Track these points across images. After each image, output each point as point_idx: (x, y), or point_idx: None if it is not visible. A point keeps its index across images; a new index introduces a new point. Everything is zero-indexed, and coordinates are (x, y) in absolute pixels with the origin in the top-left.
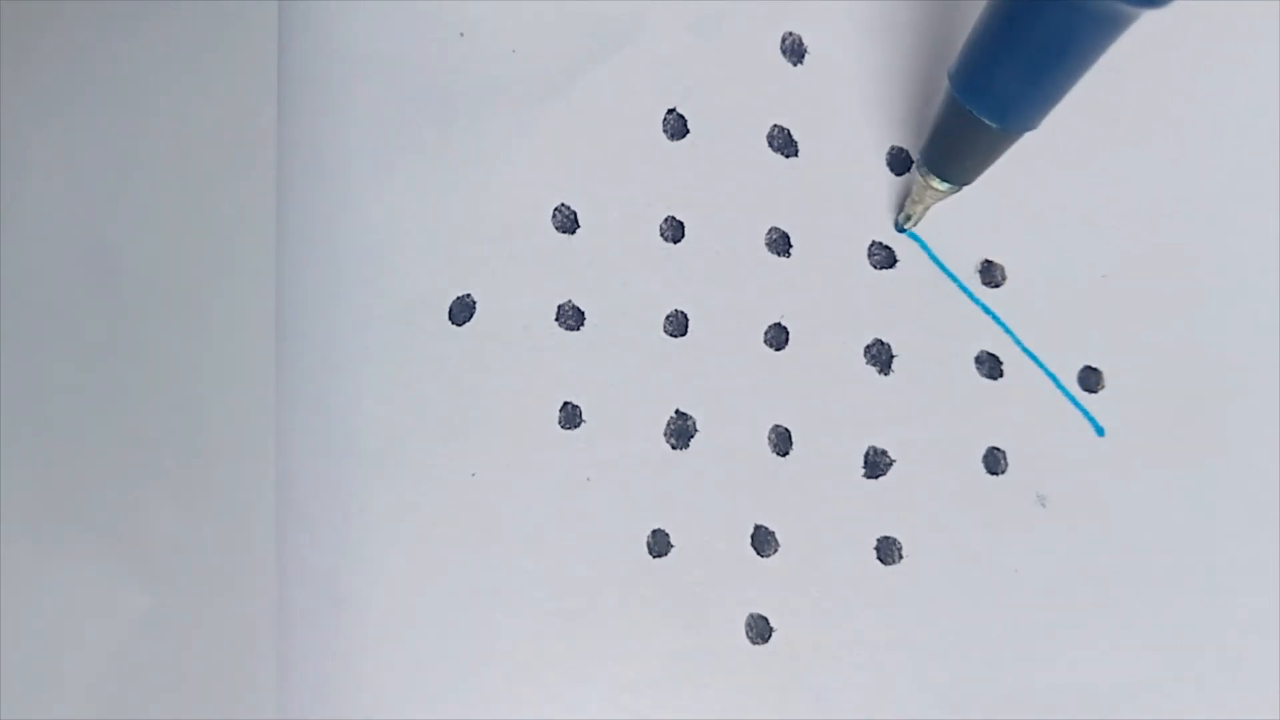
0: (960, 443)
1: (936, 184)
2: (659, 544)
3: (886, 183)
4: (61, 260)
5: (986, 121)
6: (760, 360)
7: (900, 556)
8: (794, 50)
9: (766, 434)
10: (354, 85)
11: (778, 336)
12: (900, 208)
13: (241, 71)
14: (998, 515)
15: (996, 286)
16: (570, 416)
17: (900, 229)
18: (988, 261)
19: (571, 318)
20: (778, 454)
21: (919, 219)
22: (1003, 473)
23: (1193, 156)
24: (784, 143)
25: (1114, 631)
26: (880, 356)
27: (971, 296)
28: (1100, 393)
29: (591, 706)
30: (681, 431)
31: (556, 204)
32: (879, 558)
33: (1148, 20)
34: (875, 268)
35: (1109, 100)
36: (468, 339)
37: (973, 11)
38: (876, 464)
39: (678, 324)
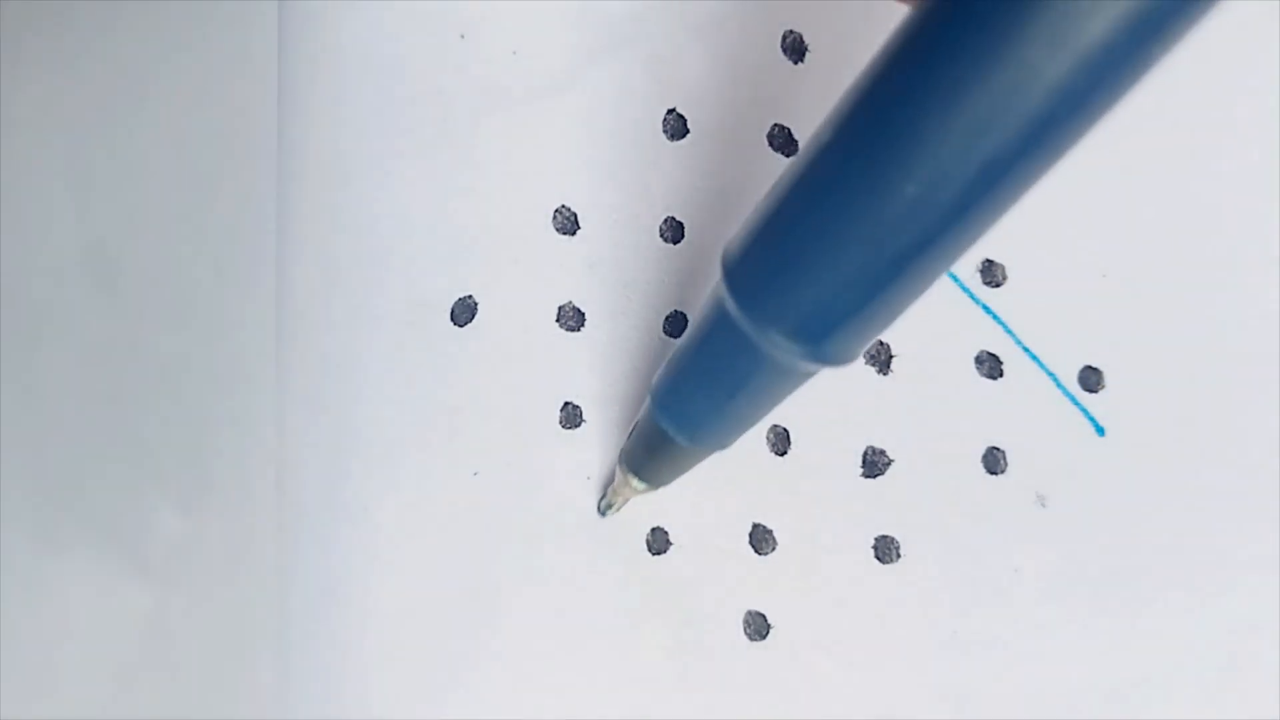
0: (960, 442)
1: (635, 483)
2: (658, 542)
3: None
4: (61, 260)
5: (680, 441)
6: None
7: (898, 556)
8: (794, 49)
9: (765, 433)
10: (354, 86)
11: None
12: (604, 493)
13: (241, 72)
14: (997, 515)
15: (996, 286)
16: (571, 416)
17: (602, 514)
18: (988, 261)
19: (572, 318)
20: (776, 453)
21: (620, 508)
22: (1002, 472)
23: (1193, 156)
24: (784, 142)
25: (1114, 631)
26: (879, 356)
27: (972, 296)
28: (1100, 392)
29: (591, 704)
30: None
31: (557, 205)
32: (877, 556)
33: None
34: None
35: None
36: (469, 340)
37: None
38: (875, 463)
39: (677, 324)
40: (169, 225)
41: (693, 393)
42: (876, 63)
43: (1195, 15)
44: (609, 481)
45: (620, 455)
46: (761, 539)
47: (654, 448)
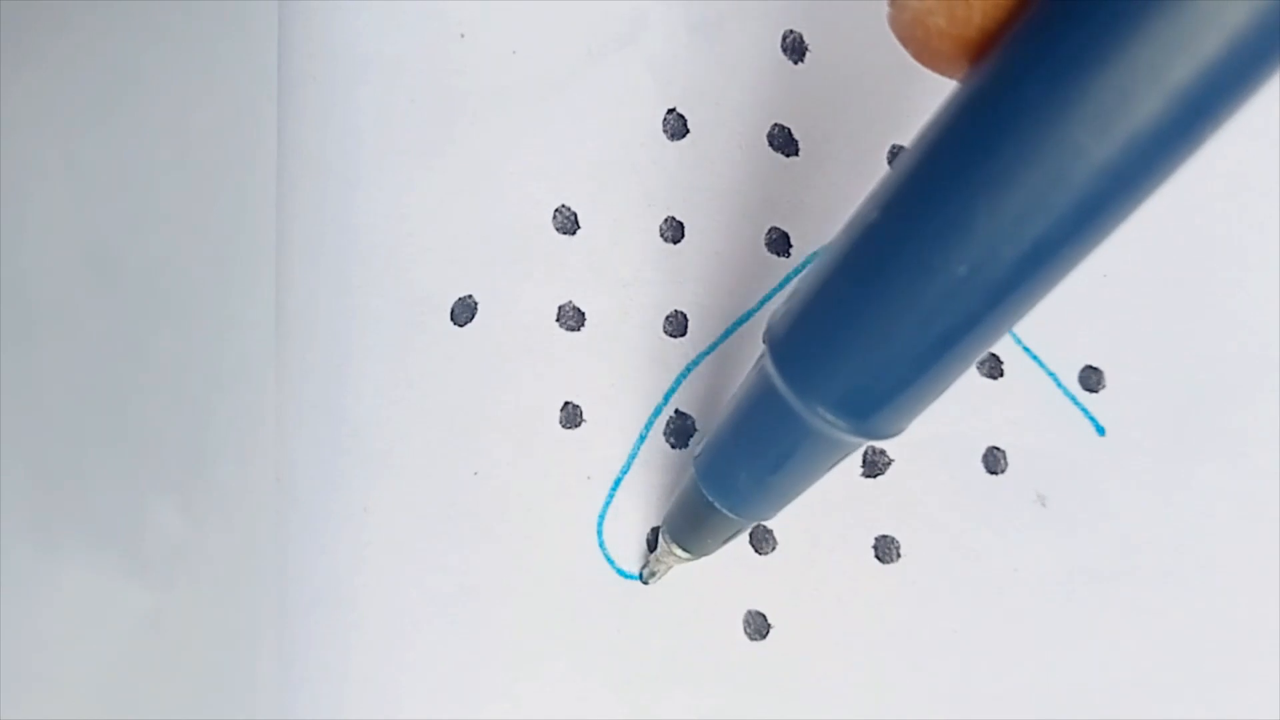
0: (960, 442)
1: (678, 551)
2: (658, 541)
3: None
4: (61, 260)
5: (723, 510)
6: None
7: (898, 555)
8: (795, 49)
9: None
10: (354, 86)
11: None
12: (646, 561)
13: (241, 72)
14: (997, 515)
15: None
16: (571, 416)
17: (645, 582)
18: None
19: (572, 318)
20: None
21: (662, 576)
22: (1002, 472)
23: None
24: (784, 142)
25: (1114, 631)
26: None
27: None
28: (1101, 392)
29: (591, 704)
30: (681, 431)
31: (557, 205)
32: (877, 556)
33: None
34: None
35: None
36: (470, 340)
37: None
38: (875, 463)
39: (678, 324)
40: (169, 225)
41: (737, 465)
42: (923, 142)
43: (1243, 97)
44: (651, 549)
45: (662, 524)
46: (761, 539)
47: (697, 518)
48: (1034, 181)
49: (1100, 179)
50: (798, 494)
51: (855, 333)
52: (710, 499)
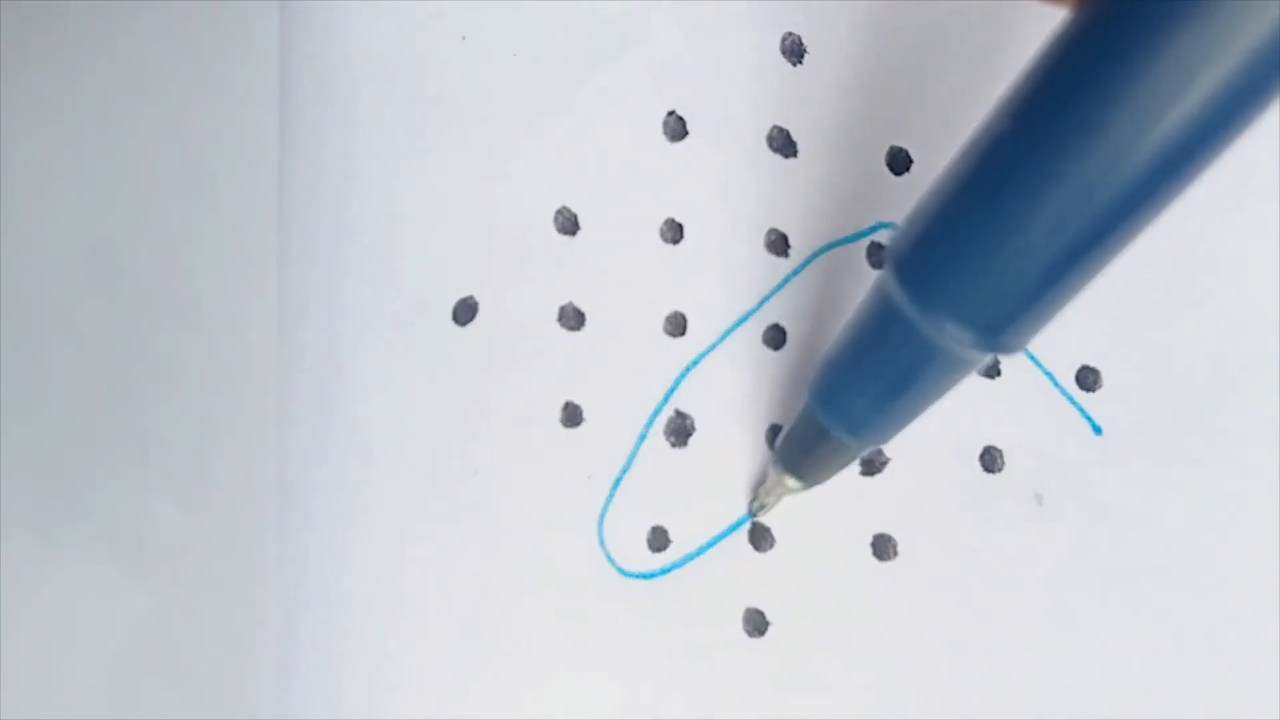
0: (957, 441)
1: (790, 481)
2: (658, 539)
3: (886, 183)
4: (61, 260)
5: (839, 436)
6: (759, 360)
7: (896, 553)
8: (794, 50)
9: (764, 432)
10: (355, 88)
11: (776, 337)
12: (755, 495)
13: (242, 73)
14: (994, 514)
15: None
16: (571, 416)
17: (753, 515)
18: None
19: (572, 318)
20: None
21: (772, 509)
22: (999, 471)
23: None
24: (784, 143)
25: (1111, 630)
26: None
27: None
28: (1098, 392)
29: (591, 703)
30: (681, 430)
31: (558, 206)
32: (874, 554)
33: None
34: (874, 268)
35: None
36: (471, 339)
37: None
38: (872, 462)
39: (677, 324)
40: (170, 225)
41: (857, 389)
42: (1051, 54)
43: None
44: (759, 483)
45: (774, 455)
46: (760, 536)
47: (813, 446)
48: (1172, 77)
49: (1234, 71)
50: (916, 416)
51: (985, 245)
52: (827, 425)
